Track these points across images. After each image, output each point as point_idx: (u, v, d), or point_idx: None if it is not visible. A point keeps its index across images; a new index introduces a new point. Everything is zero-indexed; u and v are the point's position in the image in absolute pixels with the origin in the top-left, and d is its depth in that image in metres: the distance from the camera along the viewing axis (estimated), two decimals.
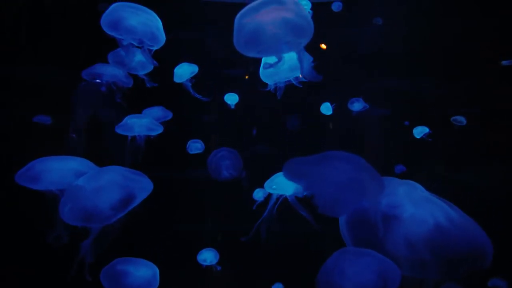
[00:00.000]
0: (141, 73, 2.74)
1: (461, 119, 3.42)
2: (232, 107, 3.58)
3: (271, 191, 2.65)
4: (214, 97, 3.59)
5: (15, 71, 3.28)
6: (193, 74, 3.10)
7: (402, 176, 3.44)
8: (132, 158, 2.98)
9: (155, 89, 2.81)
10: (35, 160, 2.08)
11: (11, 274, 3.10)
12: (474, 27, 3.37)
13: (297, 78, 2.22)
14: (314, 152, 3.65)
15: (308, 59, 3.31)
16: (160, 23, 2.44)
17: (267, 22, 1.74)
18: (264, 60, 2.27)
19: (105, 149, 3.44)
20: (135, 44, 2.41)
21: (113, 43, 2.35)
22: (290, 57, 2.06)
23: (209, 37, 3.78)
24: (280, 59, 1.89)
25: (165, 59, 2.73)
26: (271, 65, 1.98)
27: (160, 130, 2.97)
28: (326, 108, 3.56)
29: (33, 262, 3.14)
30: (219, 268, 3.29)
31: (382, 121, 3.79)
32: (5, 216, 3.04)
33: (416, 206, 1.43)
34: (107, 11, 2.31)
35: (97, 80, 2.90)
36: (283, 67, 2.04)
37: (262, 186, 2.71)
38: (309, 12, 2.90)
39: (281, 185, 2.62)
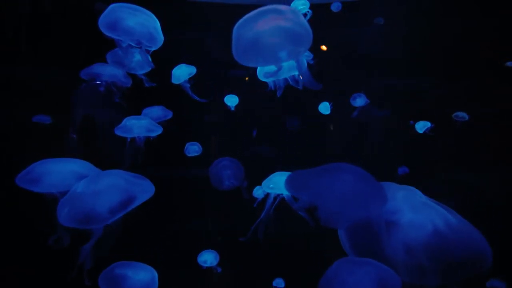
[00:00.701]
0: (140, 72, 2.72)
1: (463, 115, 3.41)
2: (232, 109, 3.58)
3: (268, 191, 2.65)
4: (214, 98, 3.58)
5: (15, 71, 3.28)
6: (191, 75, 3.09)
7: (404, 177, 3.47)
8: (132, 159, 2.98)
9: (154, 89, 2.80)
10: (35, 163, 2.07)
11: (11, 274, 3.10)
12: (474, 27, 3.36)
13: (294, 77, 2.21)
14: (314, 152, 3.67)
15: (308, 55, 3.31)
16: (157, 24, 2.43)
17: (266, 31, 1.73)
18: (260, 68, 2.26)
19: (105, 150, 3.43)
20: (133, 45, 2.40)
21: (113, 43, 2.35)
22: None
23: (208, 38, 3.77)
24: (280, 68, 1.88)
25: (164, 60, 2.73)
26: (271, 75, 1.97)
27: (159, 131, 2.96)
28: (325, 108, 3.56)
29: (33, 263, 3.14)
30: (219, 269, 3.29)
31: (382, 121, 3.78)
32: (5, 217, 3.04)
33: (414, 212, 1.42)
34: (105, 12, 2.30)
35: (97, 82, 2.90)
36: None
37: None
38: (307, 11, 2.89)
39: (278, 184, 2.62)
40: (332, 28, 3.61)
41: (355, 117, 3.68)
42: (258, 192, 3.19)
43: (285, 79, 2.30)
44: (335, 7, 3.52)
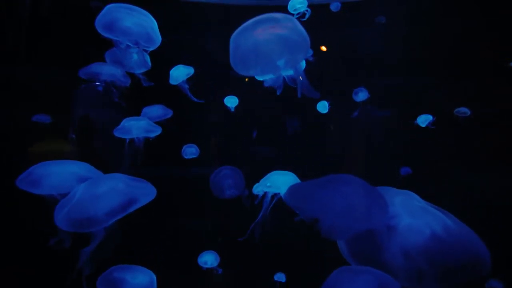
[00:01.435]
0: (138, 72, 2.72)
1: (465, 110, 3.39)
2: (232, 110, 3.57)
3: (266, 189, 2.64)
4: (213, 99, 3.58)
5: (14, 71, 3.28)
6: (188, 76, 3.08)
7: (406, 177, 3.45)
8: (131, 159, 2.98)
9: (154, 89, 2.79)
10: (35, 165, 2.07)
11: (11, 274, 3.11)
12: (474, 27, 3.33)
13: (291, 76, 2.20)
14: (315, 152, 3.65)
15: (309, 52, 3.30)
16: (155, 24, 2.42)
17: (263, 40, 1.73)
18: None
19: (104, 150, 3.43)
20: (131, 45, 2.39)
21: (111, 42, 2.34)
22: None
23: (207, 39, 3.76)
24: (278, 77, 1.88)
25: (163, 60, 2.72)
26: (271, 83, 1.97)
27: (158, 131, 2.96)
28: (323, 107, 3.54)
29: (33, 264, 3.15)
30: (220, 270, 3.29)
31: (382, 121, 3.76)
32: (6, 218, 3.05)
33: (412, 216, 1.42)
34: (101, 13, 2.29)
35: (97, 83, 2.90)
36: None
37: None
38: (306, 10, 2.86)
39: (275, 183, 2.62)
40: (331, 28, 3.59)
41: (356, 117, 3.66)
42: (258, 189, 3.20)
43: (284, 79, 2.29)
44: (335, 7, 3.50)
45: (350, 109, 3.70)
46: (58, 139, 3.38)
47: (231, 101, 3.60)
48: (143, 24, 2.38)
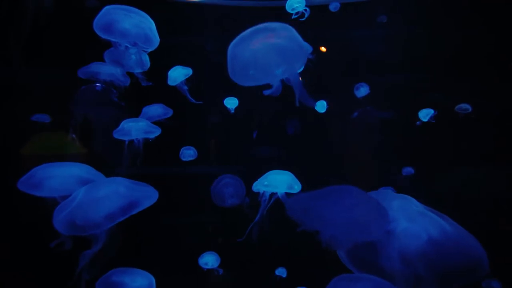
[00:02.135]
0: (137, 71, 2.72)
1: (466, 107, 3.38)
2: (232, 111, 3.56)
3: (263, 188, 2.64)
4: (213, 100, 3.58)
5: (14, 71, 3.28)
6: (187, 77, 3.07)
7: (408, 178, 3.45)
8: (131, 161, 2.97)
9: (154, 89, 2.79)
10: (36, 167, 2.07)
11: (11, 276, 3.10)
12: (475, 27, 3.32)
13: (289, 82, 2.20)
14: (315, 153, 3.65)
15: (307, 49, 3.28)
16: (153, 25, 2.42)
17: (260, 50, 1.74)
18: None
19: (105, 151, 3.43)
20: (129, 46, 2.39)
21: (110, 42, 2.34)
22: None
23: (207, 40, 3.76)
24: (276, 86, 1.89)
25: (162, 61, 2.72)
26: (270, 92, 1.97)
27: (157, 132, 2.95)
28: (321, 106, 3.54)
29: (34, 266, 3.14)
30: (221, 271, 3.29)
31: (383, 121, 3.76)
32: (6, 219, 3.04)
33: (410, 221, 1.42)
34: (99, 15, 2.29)
35: (98, 84, 2.90)
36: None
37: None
38: (305, 9, 2.86)
39: (273, 182, 2.62)
40: (330, 28, 3.59)
41: (356, 117, 3.66)
42: (257, 187, 3.19)
43: (282, 80, 2.29)
44: (333, 7, 3.48)
45: (350, 110, 3.70)
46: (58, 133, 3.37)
47: (231, 103, 3.59)
48: (141, 26, 2.38)
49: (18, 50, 3.30)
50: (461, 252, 1.36)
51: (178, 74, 3.04)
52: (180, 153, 3.50)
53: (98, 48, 2.60)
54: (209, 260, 3.24)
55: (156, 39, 2.42)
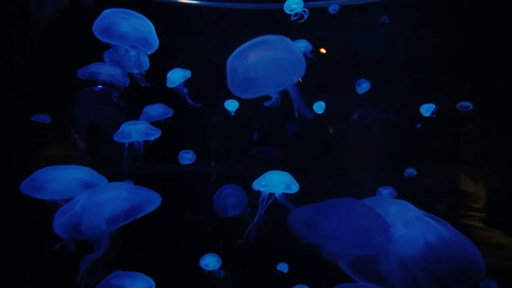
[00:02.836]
0: (136, 72, 2.72)
1: (467, 105, 3.38)
2: (232, 113, 3.57)
3: (261, 189, 2.66)
4: (213, 101, 3.58)
5: (14, 71, 3.28)
6: (185, 79, 3.07)
7: (410, 178, 3.45)
8: (132, 163, 2.98)
9: (154, 90, 2.79)
10: (39, 170, 2.07)
11: (11, 277, 3.12)
12: (475, 28, 3.31)
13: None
14: (315, 154, 3.65)
15: (307, 47, 3.28)
16: (152, 28, 2.41)
17: (258, 63, 1.75)
18: None
19: (105, 154, 3.44)
20: (129, 49, 2.39)
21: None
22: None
23: (207, 42, 3.75)
24: (276, 98, 1.90)
25: (162, 63, 2.72)
26: (270, 103, 1.98)
27: (158, 134, 2.96)
28: (319, 107, 3.54)
29: (34, 268, 3.16)
30: (222, 273, 3.30)
31: (384, 122, 3.76)
32: (6, 218, 3.06)
33: (407, 226, 1.44)
34: (98, 18, 2.28)
35: (99, 86, 2.90)
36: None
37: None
38: (304, 10, 2.85)
39: (271, 182, 2.63)
40: (330, 29, 3.58)
41: (356, 118, 3.66)
42: (255, 186, 3.21)
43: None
44: (332, 9, 3.47)
45: (351, 110, 3.70)
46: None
47: (231, 105, 3.59)
48: (140, 29, 2.37)
49: (21, 51, 3.30)
50: (458, 256, 1.38)
51: (177, 76, 3.04)
52: (179, 156, 3.50)
53: (98, 48, 2.60)
54: (210, 262, 3.25)
55: (156, 42, 2.41)
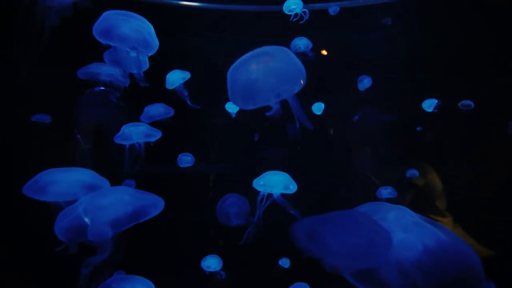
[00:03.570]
0: (136, 72, 2.71)
1: (468, 103, 3.38)
2: (233, 115, 3.57)
3: (259, 188, 2.67)
4: (214, 102, 3.57)
5: (15, 72, 3.27)
6: (185, 80, 3.06)
7: (413, 180, 3.45)
8: (133, 165, 2.98)
9: (154, 90, 2.79)
10: (41, 172, 2.07)
11: (11, 277, 3.12)
12: (475, 28, 3.30)
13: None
14: (316, 154, 3.65)
15: (308, 44, 3.27)
16: (152, 29, 2.41)
17: (258, 75, 1.75)
18: None
19: (106, 155, 3.44)
20: (129, 50, 2.39)
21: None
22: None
23: (210, 44, 3.75)
24: (276, 108, 1.90)
25: (161, 64, 2.71)
26: (272, 113, 1.99)
27: (158, 135, 2.96)
28: (318, 108, 3.54)
29: (34, 270, 3.16)
30: (223, 274, 3.30)
31: (384, 123, 3.76)
32: (7, 218, 3.06)
33: (405, 231, 1.44)
34: (98, 20, 2.28)
35: (102, 88, 2.90)
36: None
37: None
38: (303, 11, 2.84)
39: (269, 182, 2.64)
40: (330, 31, 3.57)
41: (357, 120, 3.66)
42: (254, 186, 3.22)
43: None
44: (333, 10, 3.46)
45: (352, 111, 3.69)
46: None
47: (232, 107, 3.59)
48: (140, 30, 2.37)
49: (25, 52, 3.29)
50: (456, 261, 1.38)
51: (176, 78, 3.03)
52: (178, 159, 3.50)
53: (98, 48, 2.60)
54: (212, 263, 3.26)
55: (155, 43, 2.41)
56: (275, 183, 2.64)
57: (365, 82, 3.57)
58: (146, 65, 2.60)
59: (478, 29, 3.29)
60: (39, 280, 3.14)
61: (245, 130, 3.75)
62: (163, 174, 3.61)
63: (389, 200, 3.40)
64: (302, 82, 1.97)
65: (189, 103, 3.18)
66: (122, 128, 2.88)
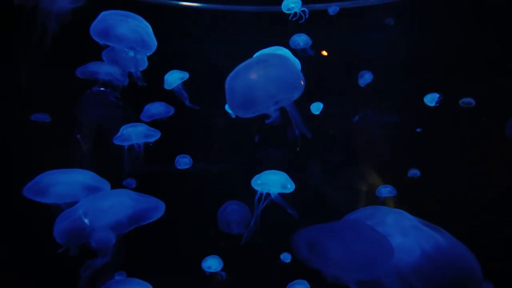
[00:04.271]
0: (134, 71, 2.70)
1: (469, 101, 3.37)
2: (233, 116, 3.56)
3: (257, 188, 2.67)
4: (214, 103, 3.56)
5: (15, 72, 3.27)
6: (183, 80, 3.05)
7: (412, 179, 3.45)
8: (132, 165, 2.98)
9: (154, 89, 2.78)
10: (42, 174, 2.07)
11: (11, 277, 3.12)
12: (475, 28, 3.29)
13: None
14: (316, 155, 3.64)
15: (307, 41, 3.25)
16: (150, 29, 2.40)
17: (257, 82, 1.74)
18: None
19: (106, 155, 3.44)
20: (127, 50, 2.38)
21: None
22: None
23: (209, 44, 3.74)
24: (275, 116, 1.90)
25: (163, 63, 2.70)
26: (271, 120, 1.98)
27: (157, 135, 2.95)
28: (316, 108, 3.53)
29: (34, 271, 3.17)
30: (224, 274, 3.30)
31: (385, 124, 3.76)
32: (7, 218, 3.06)
33: (404, 235, 1.44)
34: (96, 20, 2.27)
35: (102, 88, 2.89)
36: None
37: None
38: (302, 11, 2.82)
39: (267, 181, 2.64)
40: (330, 31, 3.56)
41: (357, 121, 3.65)
42: (252, 185, 3.22)
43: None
44: (332, 10, 3.45)
45: (351, 112, 3.69)
46: None
47: None
48: (138, 30, 2.36)
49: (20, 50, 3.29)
50: (454, 264, 1.38)
51: (174, 78, 3.02)
52: (176, 161, 3.50)
53: (97, 47, 2.59)
54: (212, 264, 3.25)
55: (154, 43, 2.40)
56: (272, 182, 2.64)
57: (366, 77, 3.55)
58: (144, 64, 2.60)
59: (478, 29, 3.27)
60: (39, 280, 3.15)
61: (245, 130, 3.75)
62: (163, 174, 3.61)
63: (388, 199, 3.41)
64: (302, 83, 1.96)
65: (188, 104, 3.17)
66: (121, 129, 2.87)
